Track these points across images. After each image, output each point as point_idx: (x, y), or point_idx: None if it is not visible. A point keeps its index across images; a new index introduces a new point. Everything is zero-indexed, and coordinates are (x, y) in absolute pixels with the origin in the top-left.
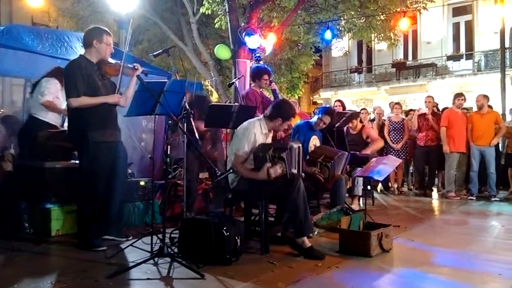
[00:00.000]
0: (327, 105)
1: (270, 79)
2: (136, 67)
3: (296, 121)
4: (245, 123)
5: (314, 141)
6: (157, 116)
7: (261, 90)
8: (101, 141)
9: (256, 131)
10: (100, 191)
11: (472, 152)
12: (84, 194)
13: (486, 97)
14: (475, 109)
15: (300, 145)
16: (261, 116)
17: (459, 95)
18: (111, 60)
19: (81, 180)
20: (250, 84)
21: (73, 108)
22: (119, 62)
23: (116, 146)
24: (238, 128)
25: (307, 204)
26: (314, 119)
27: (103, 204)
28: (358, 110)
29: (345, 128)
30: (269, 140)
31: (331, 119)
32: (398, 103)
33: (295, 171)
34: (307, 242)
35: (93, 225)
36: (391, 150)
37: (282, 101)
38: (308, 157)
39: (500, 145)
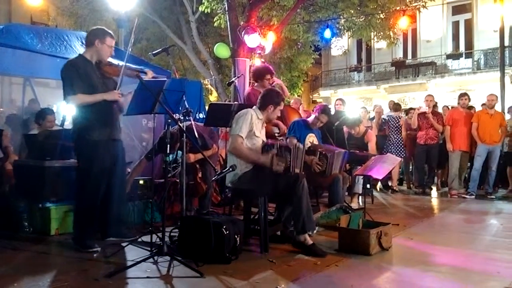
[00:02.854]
0: (324, 104)
1: (273, 77)
2: (138, 75)
3: (296, 117)
4: (241, 110)
5: (311, 139)
6: (156, 115)
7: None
8: (99, 140)
9: (253, 114)
10: (98, 191)
11: (479, 151)
12: (81, 194)
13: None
14: (477, 107)
15: (302, 146)
16: (254, 107)
17: (462, 95)
18: (112, 61)
19: (79, 179)
20: (252, 83)
21: (72, 106)
22: (120, 63)
23: (115, 145)
24: (236, 115)
25: (310, 201)
26: (311, 117)
27: (102, 204)
28: (357, 111)
29: (347, 130)
30: (263, 131)
31: (328, 118)
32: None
33: (297, 170)
34: (309, 240)
35: (89, 225)
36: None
37: (267, 90)
38: (308, 146)
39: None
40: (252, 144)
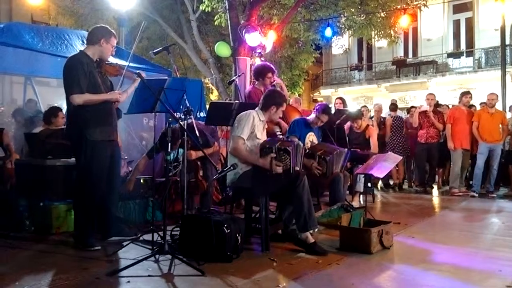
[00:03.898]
0: (325, 103)
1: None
2: (139, 74)
3: (297, 116)
4: (243, 112)
5: (311, 138)
6: (157, 114)
7: (265, 88)
8: (100, 140)
9: (255, 116)
10: (98, 191)
11: (480, 149)
12: (81, 193)
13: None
14: (477, 106)
15: (302, 144)
16: (257, 108)
17: (466, 93)
18: (111, 60)
19: (79, 179)
20: (253, 82)
21: (74, 105)
22: (118, 63)
23: (113, 145)
24: (237, 116)
25: (311, 199)
26: (312, 116)
27: (102, 203)
28: (358, 107)
29: (349, 126)
30: (264, 132)
31: (328, 118)
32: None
33: (297, 168)
34: (311, 238)
35: (89, 224)
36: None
37: (270, 91)
38: (307, 150)
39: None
40: (253, 145)
